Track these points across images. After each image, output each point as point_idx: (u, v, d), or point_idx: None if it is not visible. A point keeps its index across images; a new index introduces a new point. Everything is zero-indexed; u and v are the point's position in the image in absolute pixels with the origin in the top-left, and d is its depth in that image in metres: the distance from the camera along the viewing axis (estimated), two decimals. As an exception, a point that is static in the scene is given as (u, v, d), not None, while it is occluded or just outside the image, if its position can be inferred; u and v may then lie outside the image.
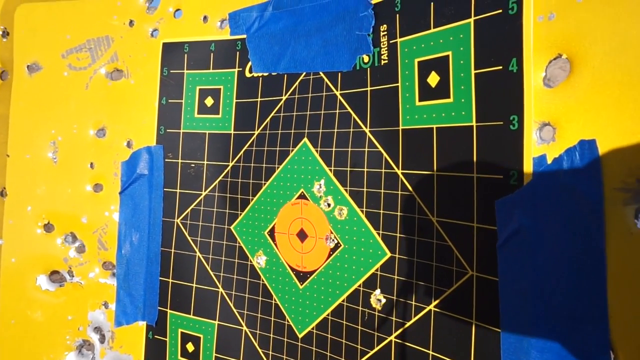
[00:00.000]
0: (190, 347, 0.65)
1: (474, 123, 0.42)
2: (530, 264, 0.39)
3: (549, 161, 0.37)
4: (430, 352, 0.46)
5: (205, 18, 0.64)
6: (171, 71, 0.67)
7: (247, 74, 0.62)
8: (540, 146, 0.38)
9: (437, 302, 0.45)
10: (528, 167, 0.38)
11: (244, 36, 0.61)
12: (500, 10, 0.40)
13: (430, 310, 0.46)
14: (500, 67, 0.40)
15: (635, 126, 0.33)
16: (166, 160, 0.67)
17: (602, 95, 0.34)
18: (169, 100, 0.67)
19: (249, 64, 0.61)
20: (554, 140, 0.37)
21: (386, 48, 0.50)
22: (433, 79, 0.45)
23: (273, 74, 0.60)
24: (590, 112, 0.35)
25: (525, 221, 0.38)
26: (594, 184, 0.35)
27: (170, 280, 0.66)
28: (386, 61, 0.50)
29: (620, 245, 0.34)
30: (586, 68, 0.35)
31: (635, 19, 0.33)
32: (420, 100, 0.46)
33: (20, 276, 0.75)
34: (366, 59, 0.52)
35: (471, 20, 0.42)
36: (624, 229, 0.34)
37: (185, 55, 0.66)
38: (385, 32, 0.50)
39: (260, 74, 0.61)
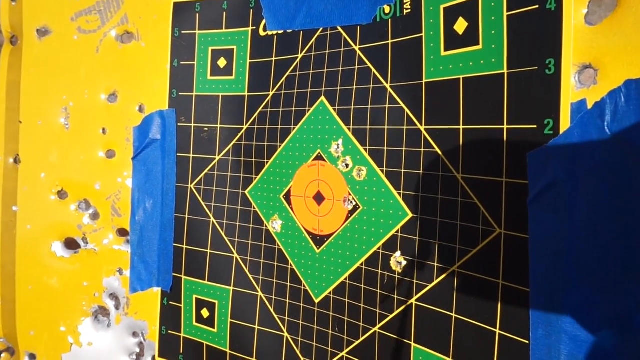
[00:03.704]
0: (205, 313, 0.64)
1: (505, 70, 0.39)
2: (565, 220, 0.36)
3: (590, 106, 0.34)
4: (454, 315, 0.44)
5: (217, -26, 0.61)
6: (182, 32, 0.64)
7: (262, 33, 0.59)
8: (579, 91, 0.35)
9: (461, 262, 0.43)
10: (565, 114, 0.35)
11: (258, -7, 0.59)
12: None
13: (454, 271, 0.44)
14: (537, 6, 0.37)
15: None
16: (179, 124, 0.65)
17: (654, 29, 0.31)
18: (181, 63, 0.65)
19: (263, 22, 0.59)
20: (595, 83, 0.34)
21: (409, -4, 0.47)
22: (460, 26, 0.42)
23: (288, 31, 0.57)
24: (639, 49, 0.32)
25: (560, 174, 0.36)
26: (641, 129, 0.32)
27: (185, 247, 0.65)
28: (409, 10, 0.47)
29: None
30: (637, -2, 0.32)
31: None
32: (446, 49, 0.44)
33: (36, 243, 0.75)
34: (387, 9, 0.49)
35: (504, -42, 0.39)
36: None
37: (197, 15, 0.63)
38: (409, -21, 0.47)
39: (275, 32, 0.58)
